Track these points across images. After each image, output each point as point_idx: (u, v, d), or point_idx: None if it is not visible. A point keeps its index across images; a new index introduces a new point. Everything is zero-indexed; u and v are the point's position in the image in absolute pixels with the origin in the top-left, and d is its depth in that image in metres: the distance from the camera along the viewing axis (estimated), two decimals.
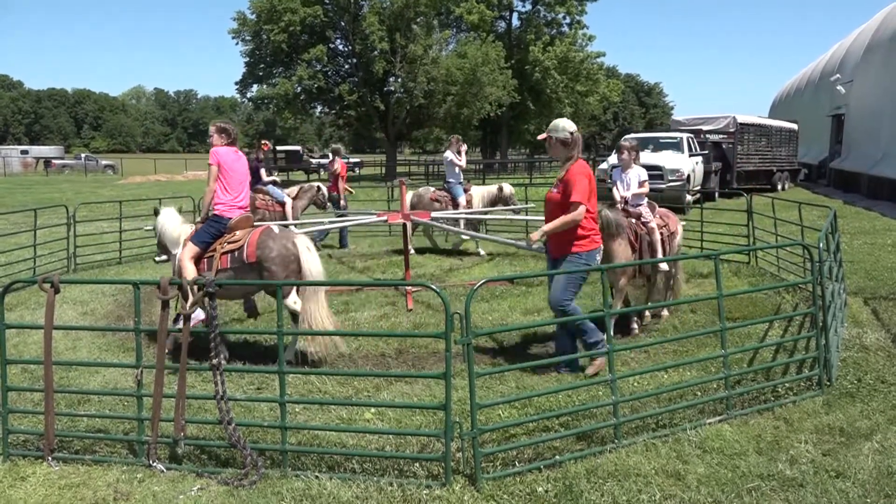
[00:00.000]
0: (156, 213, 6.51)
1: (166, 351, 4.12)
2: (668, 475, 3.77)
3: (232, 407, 4.10)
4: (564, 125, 5.37)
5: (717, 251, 6.79)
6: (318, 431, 4.35)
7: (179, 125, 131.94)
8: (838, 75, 27.58)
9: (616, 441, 4.13)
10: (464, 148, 11.94)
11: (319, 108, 43.12)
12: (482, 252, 11.57)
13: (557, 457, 3.96)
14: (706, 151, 20.66)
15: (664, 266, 6.67)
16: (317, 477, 3.79)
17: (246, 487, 3.74)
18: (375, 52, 35.62)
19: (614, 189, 7.07)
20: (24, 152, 58.15)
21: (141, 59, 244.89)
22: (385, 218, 8.85)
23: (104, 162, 57.59)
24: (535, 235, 5.37)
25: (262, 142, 13.22)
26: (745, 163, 23.05)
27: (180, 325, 4.17)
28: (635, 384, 5.15)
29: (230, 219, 5.94)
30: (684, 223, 7.79)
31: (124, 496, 3.71)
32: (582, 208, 5.13)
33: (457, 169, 11.67)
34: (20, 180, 41.44)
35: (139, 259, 11.32)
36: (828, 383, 4.97)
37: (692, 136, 20.44)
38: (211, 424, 4.30)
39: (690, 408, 4.61)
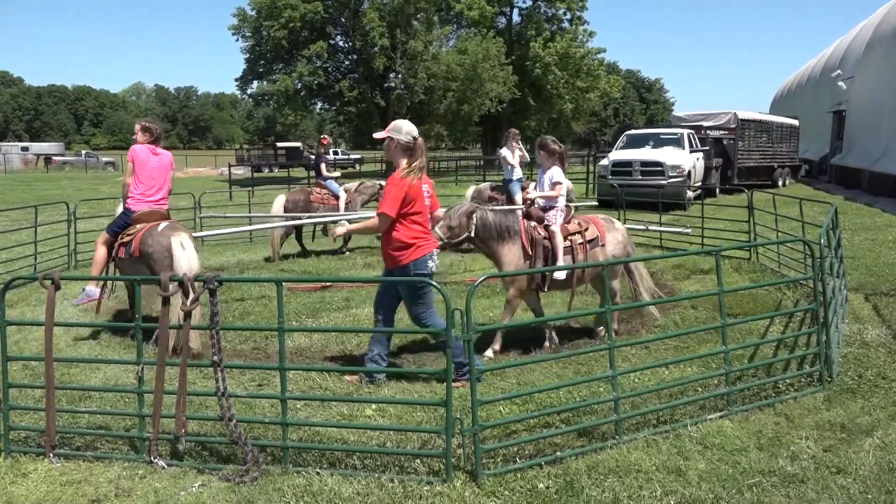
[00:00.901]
0: None
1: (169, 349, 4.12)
2: (669, 471, 3.77)
3: (233, 403, 4.10)
4: (409, 129, 5.07)
5: (717, 247, 6.79)
6: (319, 428, 4.35)
7: (180, 122, 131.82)
8: (839, 71, 27.55)
9: (617, 437, 4.14)
10: (518, 143, 11.41)
11: (320, 105, 43.10)
12: None
13: (558, 453, 3.97)
14: (707, 147, 20.64)
15: (559, 275, 6.01)
16: (318, 473, 3.79)
17: (247, 484, 3.74)
18: (376, 49, 35.58)
19: (529, 190, 6.93)
20: (25, 149, 58.17)
21: (141, 55, 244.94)
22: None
23: (105, 159, 57.59)
24: (339, 230, 5.58)
25: (322, 136, 13.14)
26: (745, 159, 23.03)
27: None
28: (636, 380, 5.15)
29: (135, 212, 6.26)
30: (678, 222, 7.74)
31: (125, 492, 3.71)
32: (383, 219, 4.94)
33: (510, 167, 11.22)
34: (21, 177, 41.45)
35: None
36: (829, 379, 4.97)
37: (693, 132, 20.42)
38: (212, 421, 4.30)
39: (691, 404, 4.61)
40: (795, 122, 27.37)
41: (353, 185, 12.10)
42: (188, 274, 5.74)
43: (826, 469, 3.76)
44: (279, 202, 11.42)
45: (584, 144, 71.99)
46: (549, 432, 4.19)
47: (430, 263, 5.08)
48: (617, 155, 19.19)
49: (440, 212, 5.56)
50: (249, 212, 14.63)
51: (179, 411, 3.99)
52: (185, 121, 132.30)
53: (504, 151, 11.40)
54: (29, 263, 9.86)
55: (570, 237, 6.10)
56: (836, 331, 5.54)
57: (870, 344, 5.85)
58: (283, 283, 4.09)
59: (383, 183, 11.84)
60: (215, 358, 4.02)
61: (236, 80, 40.93)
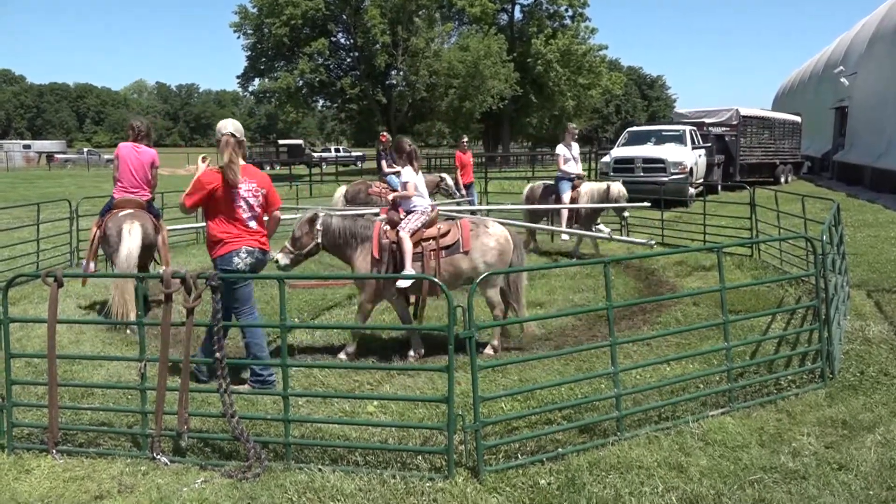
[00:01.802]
0: None
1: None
2: (670, 467, 3.78)
3: (235, 400, 4.11)
4: (220, 126, 5.06)
5: (719, 244, 6.79)
6: (321, 424, 4.36)
7: (181, 119, 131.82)
8: (842, 67, 27.46)
9: (618, 434, 4.14)
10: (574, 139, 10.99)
11: (321, 102, 43.10)
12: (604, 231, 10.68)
13: (560, 449, 3.97)
14: (709, 144, 20.61)
15: (401, 283, 5.74)
16: (320, 470, 3.80)
17: (249, 480, 3.75)
18: (377, 46, 35.54)
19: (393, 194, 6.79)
20: (27, 147, 58.27)
21: (142, 53, 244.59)
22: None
23: (106, 156, 57.58)
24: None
25: (381, 133, 13.37)
26: (747, 155, 22.99)
27: None
28: (638, 377, 5.15)
29: (115, 199, 6.99)
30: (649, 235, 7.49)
31: (128, 489, 3.72)
32: (181, 208, 5.10)
33: (563, 163, 10.72)
34: (23, 175, 41.49)
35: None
36: (830, 376, 4.97)
37: (695, 128, 20.39)
38: (214, 417, 4.31)
39: (693, 400, 4.61)
40: (798, 119, 27.31)
41: None
42: (125, 260, 6.46)
43: (828, 465, 3.76)
44: (340, 192, 11.75)
45: (585, 141, 71.87)
46: (551, 429, 4.19)
47: (236, 260, 4.97)
48: (619, 152, 19.18)
49: (278, 212, 5.40)
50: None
51: (182, 408, 4.00)
52: (186, 118, 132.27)
53: (560, 148, 10.98)
54: (31, 261, 9.87)
55: (422, 243, 5.83)
56: (838, 327, 5.54)
57: (872, 340, 5.85)
58: (285, 281, 4.10)
59: (443, 175, 11.74)
60: (218, 354, 4.03)
61: (238, 77, 40.95)
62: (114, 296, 6.56)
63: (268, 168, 43.33)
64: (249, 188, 5.02)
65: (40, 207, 10.40)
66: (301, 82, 37.36)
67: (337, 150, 55.84)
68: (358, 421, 4.44)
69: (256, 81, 40.88)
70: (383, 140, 12.95)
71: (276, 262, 5.85)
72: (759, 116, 24.57)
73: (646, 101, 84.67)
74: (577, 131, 11.19)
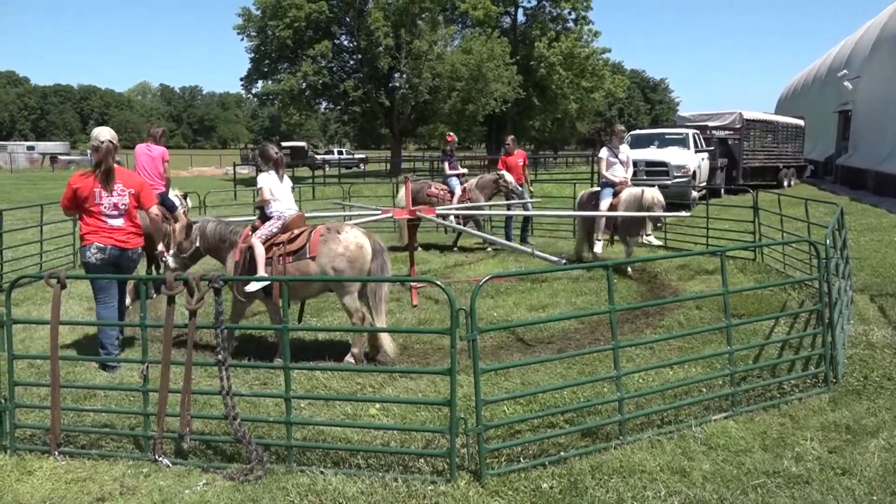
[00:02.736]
0: None
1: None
2: (673, 472, 3.77)
3: (237, 402, 4.11)
4: (95, 134, 5.66)
5: (722, 248, 6.77)
6: (323, 427, 4.36)
7: (185, 121, 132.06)
8: (845, 71, 27.44)
9: (621, 437, 4.13)
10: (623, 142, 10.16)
11: (324, 104, 43.06)
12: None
13: (562, 453, 3.96)
14: (712, 148, 20.59)
15: (251, 287, 5.79)
16: (322, 472, 3.80)
17: (251, 482, 3.75)
18: (380, 48, 35.54)
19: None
20: (31, 148, 58.36)
21: (146, 55, 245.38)
22: (390, 214, 8.87)
23: None
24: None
25: (447, 134, 13.29)
26: (750, 159, 22.97)
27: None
28: (640, 381, 5.14)
29: None
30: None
31: (130, 491, 3.72)
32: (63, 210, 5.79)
33: (605, 168, 9.90)
34: (27, 176, 41.58)
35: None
36: (834, 380, 4.95)
37: (698, 132, 20.38)
38: (216, 420, 4.31)
39: (696, 404, 4.60)
40: (801, 123, 27.27)
41: (474, 180, 11.99)
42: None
43: (831, 470, 3.75)
44: (403, 192, 11.69)
45: (588, 144, 71.90)
46: (553, 432, 4.19)
47: (88, 254, 5.54)
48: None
49: (155, 209, 5.95)
50: (254, 212, 14.66)
51: (184, 410, 4.00)
52: (189, 120, 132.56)
53: (603, 152, 10.12)
54: (35, 262, 9.90)
55: (273, 248, 5.87)
56: (842, 332, 5.52)
57: (875, 345, 5.83)
58: (287, 284, 4.09)
59: (502, 172, 11.55)
60: (220, 357, 4.03)
61: (241, 79, 40.95)
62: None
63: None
64: (115, 188, 5.57)
65: (44, 209, 10.42)
66: (304, 84, 37.37)
67: (340, 153, 55.90)
68: (360, 424, 4.44)
69: (260, 84, 40.90)
70: (450, 140, 12.78)
71: (165, 262, 6.41)
72: (762, 120, 24.54)
73: (649, 104, 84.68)
74: (625, 133, 10.35)
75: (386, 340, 5.86)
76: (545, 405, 4.65)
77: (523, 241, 11.99)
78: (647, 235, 9.61)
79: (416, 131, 46.21)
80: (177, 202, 9.07)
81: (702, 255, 9.20)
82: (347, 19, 37.45)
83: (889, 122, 21.22)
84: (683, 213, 10.14)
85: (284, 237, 5.90)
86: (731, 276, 8.10)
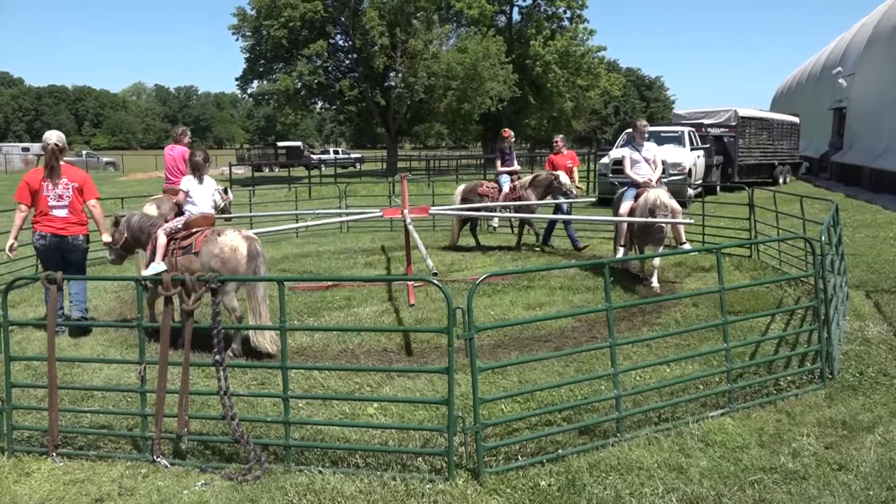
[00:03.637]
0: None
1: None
2: (670, 469, 3.78)
3: (235, 402, 4.11)
4: (45, 137, 6.62)
5: (718, 245, 6.79)
6: (321, 427, 4.36)
7: (180, 121, 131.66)
8: (840, 68, 27.52)
9: (618, 435, 4.14)
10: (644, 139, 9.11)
11: (320, 104, 42.97)
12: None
13: (560, 451, 3.98)
14: (707, 145, 20.61)
15: (147, 271, 6.22)
16: (320, 472, 3.80)
17: (250, 482, 3.75)
18: (376, 48, 35.50)
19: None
20: (26, 149, 58.09)
21: (141, 55, 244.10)
22: (405, 216, 8.85)
23: (105, 159, 57.57)
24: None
25: (503, 129, 12.79)
26: (746, 156, 23.00)
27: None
28: (637, 378, 5.15)
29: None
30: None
31: (129, 491, 3.73)
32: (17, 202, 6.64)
33: (630, 166, 8.98)
34: (21, 177, 41.42)
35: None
36: (830, 376, 4.97)
37: (693, 129, 20.41)
38: (214, 420, 4.32)
39: (693, 401, 4.62)
40: (796, 120, 27.33)
41: (527, 178, 11.65)
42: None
43: (827, 466, 3.77)
44: (459, 191, 11.81)
45: (584, 143, 71.97)
46: (551, 430, 4.20)
47: (34, 239, 6.66)
48: (617, 153, 19.18)
49: (95, 205, 6.83)
50: (250, 212, 14.63)
51: (182, 410, 4.00)
52: (185, 120, 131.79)
53: (625, 151, 9.25)
54: (31, 264, 9.87)
55: (171, 242, 6.31)
56: (837, 328, 5.55)
57: (871, 341, 5.86)
58: (285, 283, 4.10)
59: (557, 173, 11.08)
60: (217, 357, 4.03)
61: (236, 79, 40.81)
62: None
63: (266, 170, 43.39)
64: (60, 183, 6.53)
65: None
66: (300, 84, 37.29)
67: (336, 152, 55.85)
68: (358, 423, 4.45)
69: (255, 83, 40.78)
70: (506, 136, 12.15)
71: (107, 256, 7.09)
72: (757, 117, 24.59)
73: (644, 102, 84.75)
74: (647, 128, 9.16)
75: (264, 339, 5.96)
76: (543, 403, 4.67)
77: (545, 242, 11.73)
78: (681, 244, 8.56)
79: (412, 130, 46.13)
80: (217, 197, 9.29)
81: (698, 253, 9.24)
82: (342, 19, 37.41)
83: (884, 119, 21.29)
84: (689, 221, 8.79)
85: (182, 234, 6.35)
86: (727, 274, 8.12)
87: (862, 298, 7.38)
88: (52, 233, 6.50)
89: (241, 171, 40.32)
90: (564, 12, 45.27)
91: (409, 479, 3.71)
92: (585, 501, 3.47)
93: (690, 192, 17.58)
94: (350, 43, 38.16)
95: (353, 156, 55.53)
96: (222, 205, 10.13)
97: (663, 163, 14.90)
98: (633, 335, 6.26)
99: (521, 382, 5.12)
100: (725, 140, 22.27)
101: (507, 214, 11.40)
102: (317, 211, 13.33)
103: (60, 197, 6.54)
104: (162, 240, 6.28)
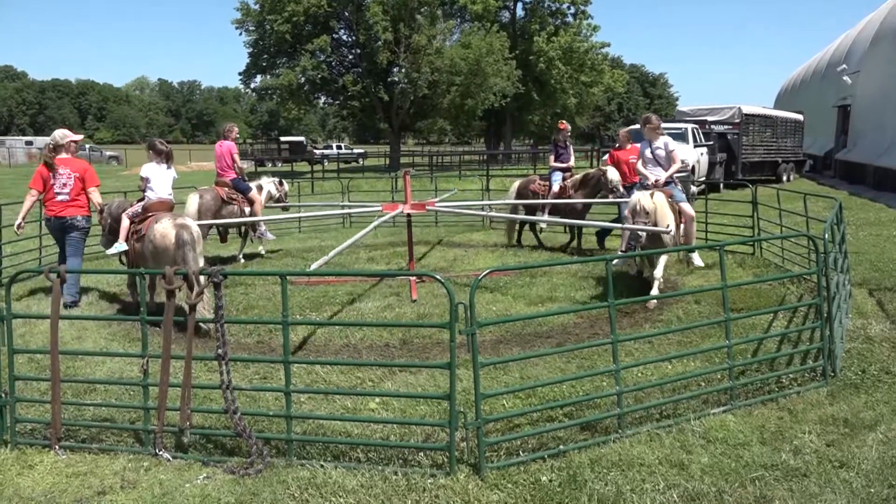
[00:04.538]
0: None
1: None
2: (671, 465, 3.78)
3: (237, 396, 4.12)
4: (52, 135, 7.70)
5: (721, 242, 6.78)
6: (322, 421, 4.38)
7: (183, 116, 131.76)
8: (845, 66, 27.40)
9: (620, 431, 4.14)
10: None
11: (323, 99, 42.96)
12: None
13: (561, 446, 3.98)
14: (711, 142, 20.58)
15: (111, 250, 7.34)
16: (322, 466, 3.81)
17: (251, 476, 3.76)
18: (379, 43, 35.43)
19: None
20: (29, 143, 58.15)
21: (145, 49, 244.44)
22: (399, 210, 8.84)
23: (108, 153, 57.63)
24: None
25: (560, 122, 12.11)
26: (750, 154, 22.96)
27: None
28: (639, 374, 5.16)
29: None
30: None
31: (131, 484, 3.74)
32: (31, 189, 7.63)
33: (642, 165, 8.23)
34: (25, 171, 41.41)
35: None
36: (832, 374, 4.97)
37: (697, 126, 20.36)
38: (216, 414, 4.32)
39: (694, 398, 4.62)
40: (800, 117, 27.25)
41: (580, 175, 11.07)
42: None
43: (829, 463, 3.77)
44: (514, 187, 11.65)
45: (588, 139, 71.86)
46: (553, 426, 4.20)
47: (45, 222, 7.78)
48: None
49: (93, 192, 7.67)
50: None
51: (184, 404, 4.01)
52: (188, 115, 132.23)
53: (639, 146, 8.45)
54: (34, 257, 9.90)
55: (131, 225, 7.05)
56: (840, 326, 5.53)
57: (873, 339, 5.85)
58: (287, 277, 4.10)
59: (606, 168, 10.56)
60: (220, 351, 4.04)
61: (240, 74, 40.81)
62: None
63: (269, 165, 43.43)
64: (64, 173, 7.50)
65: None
66: (303, 79, 37.27)
67: (339, 148, 55.87)
68: (360, 417, 4.45)
69: (258, 78, 40.74)
70: (562, 128, 11.45)
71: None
72: (761, 115, 24.52)
73: (648, 98, 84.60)
74: (659, 123, 8.24)
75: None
76: (544, 399, 4.67)
77: (601, 246, 10.94)
78: (689, 256, 8.23)
79: (415, 126, 46.05)
80: (272, 188, 11.20)
81: (701, 250, 9.23)
82: (346, 14, 37.34)
83: (888, 117, 21.21)
84: (666, 230, 7.32)
85: (139, 218, 6.99)
86: (729, 271, 8.11)
87: (865, 296, 7.37)
88: (54, 216, 7.53)
89: (245, 166, 40.15)
90: (568, 8, 45.15)
91: (410, 473, 3.72)
92: (586, 497, 3.47)
93: (693, 188, 17.54)
94: (353, 38, 38.12)
95: (355, 151, 55.54)
96: (277, 195, 11.33)
97: None
98: (635, 332, 6.26)
99: (522, 378, 5.12)
100: (729, 137, 22.22)
101: (505, 216, 11.10)
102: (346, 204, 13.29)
103: (64, 185, 7.50)
104: (125, 223, 7.04)
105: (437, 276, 3.96)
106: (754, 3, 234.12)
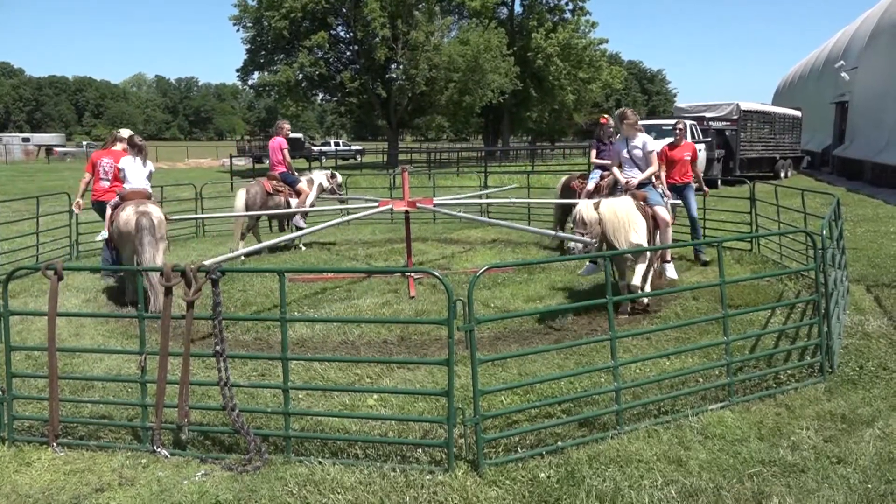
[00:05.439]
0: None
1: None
2: (669, 461, 3.79)
3: (235, 393, 4.12)
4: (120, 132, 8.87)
5: (719, 238, 6.78)
6: (321, 418, 4.37)
7: (181, 113, 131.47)
8: (842, 62, 27.41)
9: (618, 427, 4.15)
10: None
11: (321, 96, 42.94)
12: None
13: (559, 443, 3.98)
14: (709, 139, 20.59)
15: (98, 238, 8.57)
16: (320, 462, 3.81)
17: (249, 473, 3.76)
18: (377, 39, 35.41)
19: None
20: (26, 140, 58.09)
21: (142, 46, 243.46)
22: (390, 206, 8.83)
23: None
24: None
25: (601, 116, 11.51)
26: (748, 150, 22.98)
27: None
28: (637, 371, 5.16)
29: None
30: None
31: (129, 481, 3.73)
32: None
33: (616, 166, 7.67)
34: (22, 168, 41.44)
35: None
36: (830, 370, 4.98)
37: (695, 123, 20.36)
38: (214, 410, 4.32)
39: (692, 394, 4.62)
40: (798, 114, 27.27)
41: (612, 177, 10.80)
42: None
43: (826, 459, 3.77)
44: (560, 183, 11.43)
45: (585, 135, 71.82)
46: (551, 422, 4.20)
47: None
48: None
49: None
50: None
51: (182, 401, 4.01)
52: (185, 112, 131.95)
53: (617, 145, 7.80)
54: (31, 254, 9.88)
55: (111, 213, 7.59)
56: (838, 322, 5.54)
57: (871, 335, 5.86)
58: (285, 274, 4.09)
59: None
60: (218, 348, 4.03)
61: (237, 70, 40.78)
62: None
63: (267, 162, 43.32)
64: (108, 162, 8.62)
65: (40, 200, 10.39)
66: (301, 76, 37.24)
67: (336, 144, 55.79)
68: (358, 414, 4.45)
69: (256, 75, 40.71)
70: (603, 123, 10.68)
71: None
72: (759, 111, 24.54)
73: (646, 95, 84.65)
74: (637, 120, 7.61)
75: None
76: (542, 395, 4.67)
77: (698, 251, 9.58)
78: (664, 262, 7.64)
79: (413, 123, 46.07)
80: (324, 180, 11.71)
81: (699, 246, 9.23)
82: (344, 10, 37.28)
83: (886, 114, 21.23)
84: (587, 240, 6.51)
85: (118, 207, 7.45)
86: (727, 267, 8.12)
87: (862, 293, 7.38)
88: (95, 200, 8.70)
89: (242, 163, 40.28)
90: (566, 4, 45.23)
91: (408, 470, 3.72)
92: (584, 493, 3.47)
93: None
94: (351, 34, 38.07)
95: (353, 148, 55.46)
96: (329, 187, 11.68)
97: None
98: (633, 328, 6.26)
99: (520, 375, 5.12)
100: (727, 133, 22.25)
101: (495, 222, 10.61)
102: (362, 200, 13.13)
103: (107, 173, 8.65)
104: (108, 212, 7.67)
105: (436, 273, 3.96)
106: None
